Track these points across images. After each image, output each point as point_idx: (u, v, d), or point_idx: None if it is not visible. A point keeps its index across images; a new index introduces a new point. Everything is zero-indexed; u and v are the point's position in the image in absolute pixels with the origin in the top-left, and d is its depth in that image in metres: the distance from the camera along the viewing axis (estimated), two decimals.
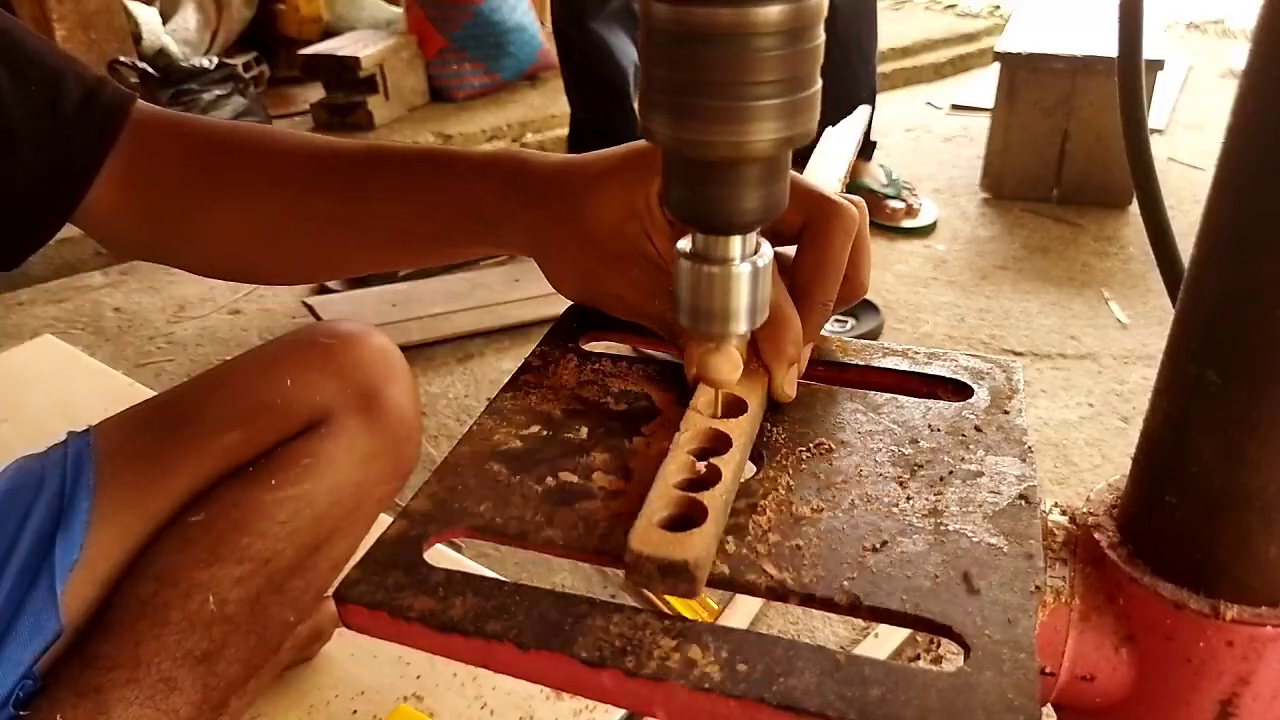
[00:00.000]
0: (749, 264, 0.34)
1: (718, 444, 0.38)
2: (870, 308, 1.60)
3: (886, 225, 2.05)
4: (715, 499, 0.35)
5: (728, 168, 0.31)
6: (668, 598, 1.02)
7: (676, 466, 0.37)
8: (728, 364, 0.37)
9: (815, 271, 0.43)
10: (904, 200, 2.08)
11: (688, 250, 0.35)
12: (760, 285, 0.35)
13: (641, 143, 0.48)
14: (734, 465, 0.36)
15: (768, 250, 0.35)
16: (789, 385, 0.43)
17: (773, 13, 0.28)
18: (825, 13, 0.30)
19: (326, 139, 0.58)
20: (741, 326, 0.35)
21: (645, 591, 0.99)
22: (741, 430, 0.38)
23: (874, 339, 1.53)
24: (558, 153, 0.54)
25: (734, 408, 0.40)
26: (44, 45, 0.58)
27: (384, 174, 0.54)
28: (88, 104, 0.57)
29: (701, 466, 0.37)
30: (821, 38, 0.30)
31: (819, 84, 0.31)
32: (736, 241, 0.34)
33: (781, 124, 0.30)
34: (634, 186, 0.46)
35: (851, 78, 1.79)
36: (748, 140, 0.30)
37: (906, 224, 2.05)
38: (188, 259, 0.62)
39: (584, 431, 0.43)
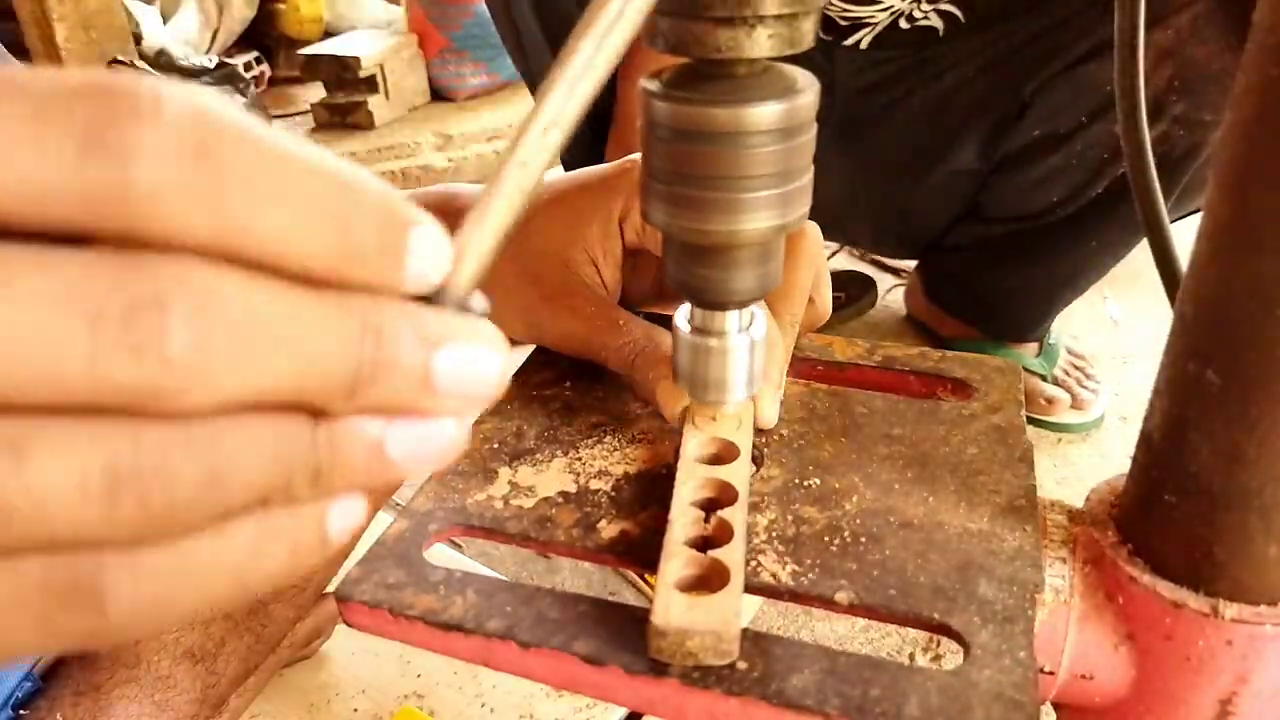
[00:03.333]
0: (745, 337, 0.36)
1: (721, 493, 0.36)
2: (864, 280, 1.55)
3: (1039, 419, 1.27)
4: (733, 555, 0.33)
5: (723, 251, 0.33)
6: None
7: (684, 524, 0.34)
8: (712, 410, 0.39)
9: (782, 291, 0.42)
10: (1066, 386, 1.29)
11: (686, 322, 0.36)
12: (755, 356, 0.36)
13: (590, 170, 0.47)
14: (742, 515, 0.35)
15: (761, 321, 0.36)
16: (774, 409, 0.42)
17: (766, 114, 0.29)
18: (816, 110, 0.31)
19: None
20: (739, 394, 0.37)
21: (642, 584, 0.99)
22: (742, 478, 0.37)
23: (869, 308, 1.51)
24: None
25: (727, 448, 0.39)
26: None
27: None
28: None
29: (710, 522, 0.35)
30: (814, 130, 0.31)
31: (811, 173, 0.32)
32: (733, 316, 0.35)
33: (774, 213, 0.31)
34: (581, 214, 0.45)
35: None
36: (742, 229, 0.31)
37: (1069, 419, 1.27)
38: None
39: (585, 430, 0.43)
